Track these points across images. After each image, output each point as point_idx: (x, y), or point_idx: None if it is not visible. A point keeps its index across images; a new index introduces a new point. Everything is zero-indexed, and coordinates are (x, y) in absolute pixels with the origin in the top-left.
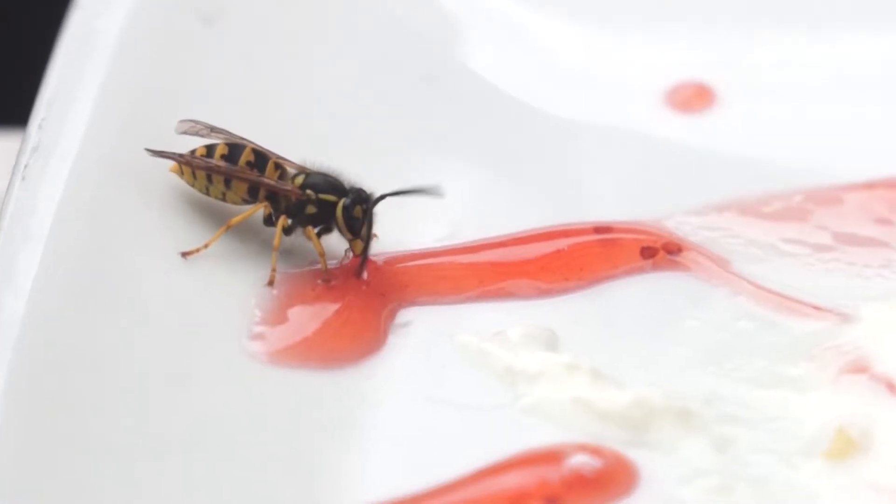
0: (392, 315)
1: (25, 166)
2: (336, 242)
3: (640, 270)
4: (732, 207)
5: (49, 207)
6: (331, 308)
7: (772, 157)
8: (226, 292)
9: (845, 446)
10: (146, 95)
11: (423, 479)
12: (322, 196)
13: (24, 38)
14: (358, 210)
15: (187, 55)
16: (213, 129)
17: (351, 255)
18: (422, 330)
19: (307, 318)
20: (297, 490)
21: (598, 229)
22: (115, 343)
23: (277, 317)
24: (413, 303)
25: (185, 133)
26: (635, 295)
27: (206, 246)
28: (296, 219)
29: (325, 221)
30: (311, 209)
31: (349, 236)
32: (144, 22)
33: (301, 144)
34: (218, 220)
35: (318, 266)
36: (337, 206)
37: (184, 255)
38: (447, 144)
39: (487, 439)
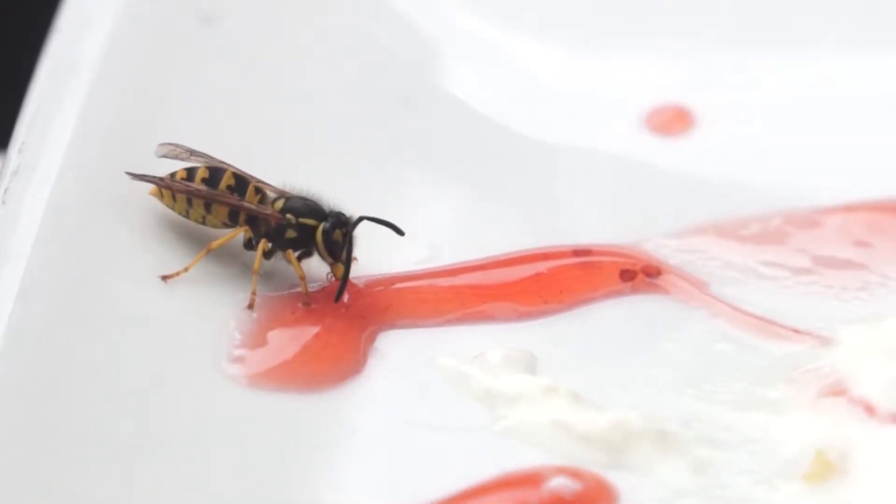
0: (372, 338)
1: (6, 190)
2: (317, 266)
3: (620, 293)
4: (711, 230)
5: (30, 230)
6: (310, 331)
7: (750, 179)
8: (205, 315)
9: (824, 469)
10: (125, 119)
11: (402, 501)
12: (302, 220)
13: (3, 61)
14: (338, 234)
15: (166, 80)
16: (192, 153)
17: (332, 278)
18: (401, 353)
19: (287, 341)
20: None
21: (578, 252)
22: (93, 365)
23: (257, 340)
24: (393, 326)
25: (165, 157)
26: (614, 317)
27: (186, 269)
28: (276, 243)
29: (305, 245)
30: (290, 233)
31: (329, 260)
32: (127, 39)
33: (278, 167)
34: (197, 243)
35: (299, 289)
36: (317, 230)
37: (164, 278)
38: (426, 167)
39: (467, 462)
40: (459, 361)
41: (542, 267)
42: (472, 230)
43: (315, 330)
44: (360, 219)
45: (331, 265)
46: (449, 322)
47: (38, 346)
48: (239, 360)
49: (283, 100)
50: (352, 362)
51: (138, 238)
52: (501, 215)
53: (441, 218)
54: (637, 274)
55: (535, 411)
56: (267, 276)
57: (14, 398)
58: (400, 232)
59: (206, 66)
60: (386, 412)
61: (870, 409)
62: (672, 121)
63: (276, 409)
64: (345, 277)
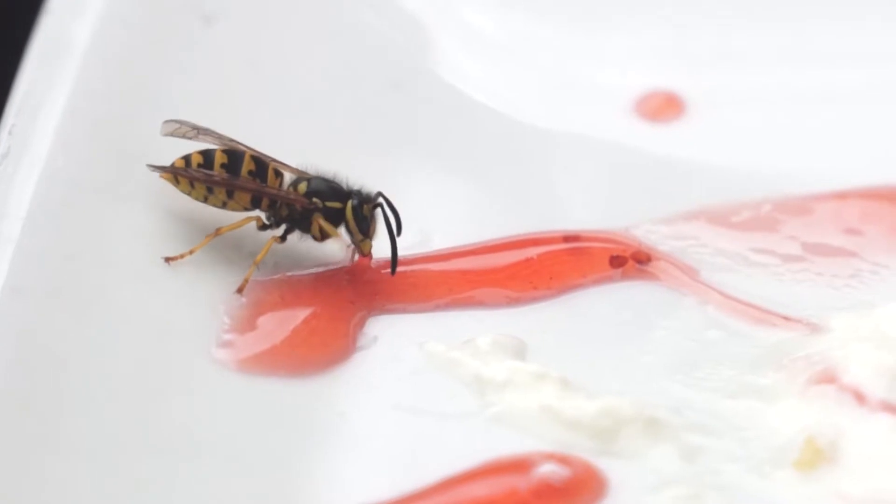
0: (361, 323)
1: None
2: (312, 247)
3: (610, 279)
4: (701, 217)
5: (19, 213)
6: (299, 316)
7: (741, 166)
8: (195, 300)
9: (814, 456)
10: (116, 102)
11: (391, 487)
12: (328, 203)
13: None
14: (367, 209)
15: (153, 64)
16: (199, 131)
17: (357, 256)
18: (391, 338)
19: (276, 326)
20: (263, 498)
21: (568, 238)
22: (82, 350)
23: (246, 325)
24: (382, 311)
25: (170, 135)
26: (604, 304)
27: (191, 252)
28: (298, 224)
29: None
30: (318, 217)
31: (359, 237)
32: (118, 21)
33: (271, 152)
34: (191, 226)
35: (289, 274)
36: (345, 209)
37: (167, 259)
38: (417, 152)
39: (456, 447)
40: (449, 347)
41: (531, 252)
42: (463, 215)
43: (304, 315)
44: (379, 193)
45: (360, 243)
46: (438, 307)
47: (26, 329)
48: (228, 344)
49: (275, 84)
50: (341, 347)
51: (128, 222)
52: (492, 201)
53: (432, 203)
54: (627, 260)
55: (524, 397)
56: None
57: (5, 382)
58: (398, 230)
59: (198, 48)
60: (375, 397)
61: (860, 397)
62: (662, 107)
63: (264, 394)
64: (394, 248)
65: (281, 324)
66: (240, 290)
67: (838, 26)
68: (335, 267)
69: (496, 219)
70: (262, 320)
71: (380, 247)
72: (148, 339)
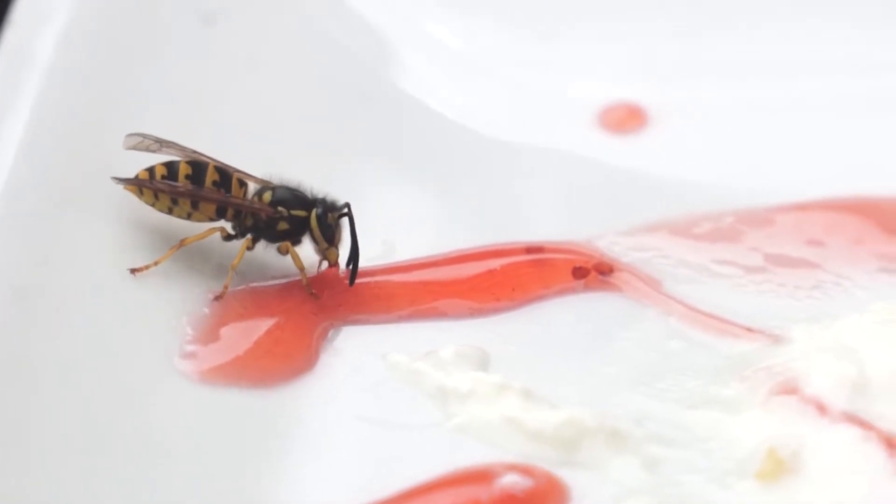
0: (324, 334)
1: None
2: (276, 257)
3: (572, 290)
4: (664, 228)
5: None
6: (262, 327)
7: (703, 178)
8: (158, 311)
9: (776, 467)
10: (79, 114)
11: (354, 498)
12: (294, 212)
13: None
14: (331, 217)
15: (116, 76)
16: (162, 144)
17: (324, 265)
18: (353, 349)
19: (239, 336)
20: None
21: (530, 249)
22: (44, 359)
23: (209, 335)
24: (345, 321)
25: (133, 148)
26: (567, 315)
27: (156, 263)
28: (263, 234)
29: (296, 234)
30: (283, 225)
31: (324, 245)
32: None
33: (237, 163)
34: (156, 237)
35: (253, 285)
36: (310, 217)
37: (133, 271)
38: (381, 164)
39: (418, 458)
40: (411, 358)
41: (494, 264)
42: (426, 227)
43: (267, 326)
44: (347, 204)
45: (325, 251)
46: (401, 318)
47: None
48: (191, 355)
49: (240, 95)
50: (303, 358)
51: (92, 233)
52: (455, 212)
53: (395, 214)
54: (590, 271)
55: (487, 408)
56: (220, 272)
57: None
58: (355, 254)
59: (160, 62)
60: (338, 408)
61: (821, 408)
62: (625, 119)
63: (227, 405)
64: (355, 257)
65: (244, 335)
66: (219, 297)
67: (800, 38)
68: (298, 278)
69: (459, 230)
70: (225, 331)
71: (325, 261)
72: (111, 350)
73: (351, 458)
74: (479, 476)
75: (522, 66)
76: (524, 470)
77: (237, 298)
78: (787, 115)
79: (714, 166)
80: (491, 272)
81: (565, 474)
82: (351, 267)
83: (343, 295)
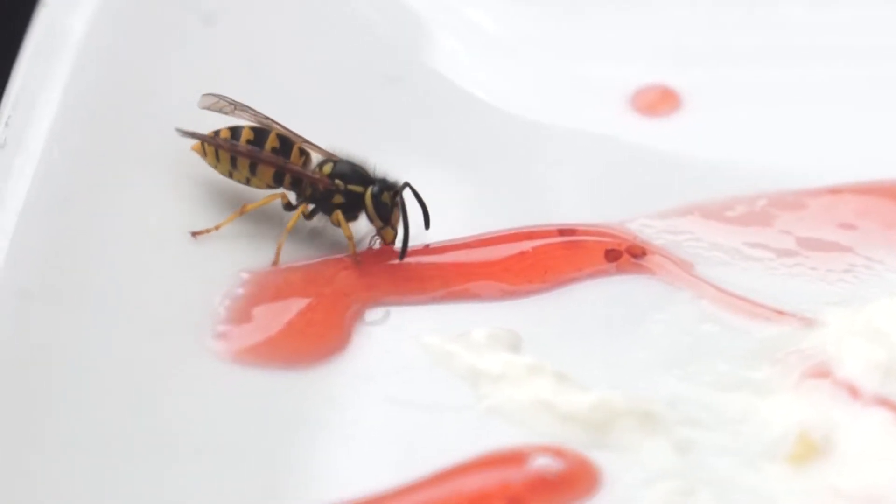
0: (357, 315)
1: None
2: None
3: (604, 273)
4: (696, 211)
5: (14, 206)
6: (295, 307)
7: (736, 160)
8: (191, 291)
9: (807, 450)
10: (111, 94)
11: (385, 479)
12: (350, 186)
13: None
14: (386, 196)
15: (149, 57)
16: (236, 106)
17: (379, 242)
18: (386, 330)
19: (272, 317)
20: (259, 489)
21: (563, 232)
22: (79, 340)
23: (242, 316)
24: (378, 303)
25: (208, 108)
26: (599, 297)
27: (217, 227)
28: (320, 205)
29: (352, 209)
30: (338, 198)
31: (379, 224)
32: (115, 11)
33: None
34: (189, 218)
35: (285, 266)
36: (366, 194)
37: (194, 234)
38: (412, 146)
39: (450, 440)
40: (444, 340)
41: (526, 246)
42: (458, 208)
43: (300, 306)
44: (406, 184)
45: (379, 229)
46: (433, 300)
47: (21, 323)
48: (224, 335)
49: (271, 78)
50: (336, 339)
51: (122, 214)
52: (487, 194)
53: (427, 196)
54: (622, 254)
55: (518, 390)
56: (253, 252)
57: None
58: (427, 223)
59: (194, 44)
60: (370, 390)
61: (853, 391)
62: (658, 101)
63: (259, 386)
64: (405, 235)
65: (276, 315)
66: (274, 263)
67: (835, 22)
68: (331, 258)
69: (491, 212)
70: (258, 311)
71: (357, 243)
72: (145, 330)
73: (382, 439)
74: (511, 458)
75: (554, 49)
76: (556, 452)
77: (270, 279)
78: (820, 99)
79: (746, 149)
80: (523, 254)
81: (597, 456)
82: (402, 244)
83: (376, 276)
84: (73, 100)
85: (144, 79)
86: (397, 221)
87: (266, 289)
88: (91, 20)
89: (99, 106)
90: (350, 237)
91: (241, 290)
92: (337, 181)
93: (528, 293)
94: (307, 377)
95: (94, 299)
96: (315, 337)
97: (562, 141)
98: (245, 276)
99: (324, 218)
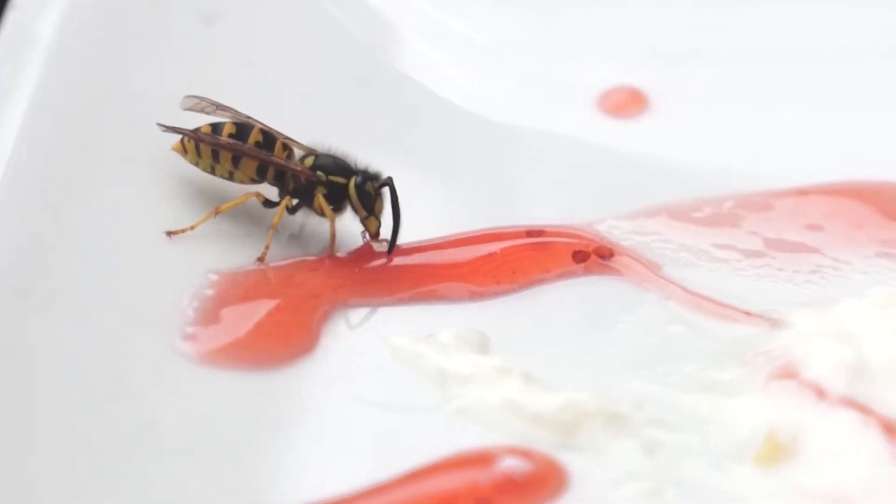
0: (325, 316)
1: None
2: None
3: (572, 274)
4: (664, 212)
5: None
6: (264, 309)
7: (703, 162)
8: (161, 292)
9: (774, 451)
10: (78, 96)
11: (353, 480)
12: (332, 178)
13: None
14: (370, 186)
15: (116, 54)
16: (217, 107)
17: (366, 236)
18: (355, 332)
19: (240, 318)
20: (227, 490)
21: (531, 233)
22: (49, 339)
23: (210, 317)
24: (346, 304)
25: (190, 109)
26: (567, 299)
27: (192, 227)
28: (304, 199)
29: (336, 202)
30: (321, 190)
31: (363, 214)
32: (81, 21)
33: None
34: (157, 220)
35: (253, 267)
36: (349, 185)
37: (169, 234)
38: (382, 148)
39: (419, 441)
40: (412, 341)
41: (494, 247)
42: (427, 210)
43: (268, 307)
44: (391, 178)
45: (364, 220)
46: (402, 301)
47: None
48: (192, 336)
49: (241, 80)
50: (305, 341)
51: (92, 216)
52: (455, 195)
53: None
54: (590, 255)
55: (487, 391)
56: (225, 253)
57: None
58: (396, 225)
59: (170, 43)
60: (338, 391)
61: (820, 392)
62: (626, 103)
63: (228, 387)
64: (395, 228)
65: (245, 317)
66: (261, 259)
67: (801, 24)
68: (300, 260)
69: (460, 213)
70: (226, 313)
71: (325, 244)
72: (112, 330)
73: (351, 441)
74: (479, 459)
75: (523, 50)
76: (523, 453)
77: (238, 280)
78: (788, 100)
79: (714, 151)
80: (491, 256)
81: (565, 458)
82: (390, 238)
83: (344, 277)
84: (42, 101)
85: (117, 80)
86: (381, 212)
87: (235, 290)
88: (60, 22)
89: (68, 108)
90: (332, 219)
91: (209, 292)
92: (319, 173)
93: (496, 294)
94: (276, 378)
95: (64, 299)
96: (284, 338)
97: (530, 142)
98: (214, 277)
99: (302, 217)
